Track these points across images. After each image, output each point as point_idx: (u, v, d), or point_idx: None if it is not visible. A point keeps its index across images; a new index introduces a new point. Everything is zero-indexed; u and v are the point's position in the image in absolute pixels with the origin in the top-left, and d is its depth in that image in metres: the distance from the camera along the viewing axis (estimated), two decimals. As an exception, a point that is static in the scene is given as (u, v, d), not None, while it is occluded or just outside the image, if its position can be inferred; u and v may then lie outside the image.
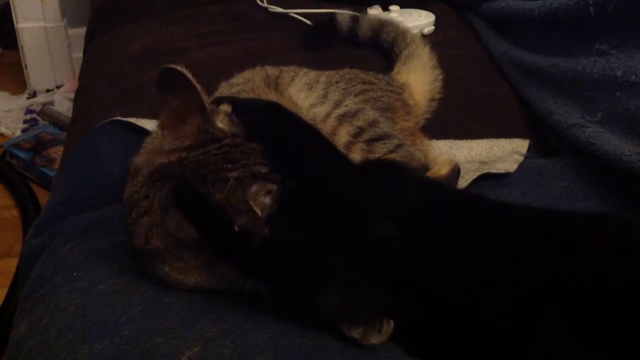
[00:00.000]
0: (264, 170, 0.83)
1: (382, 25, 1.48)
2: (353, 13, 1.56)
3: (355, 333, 0.78)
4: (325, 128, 1.08)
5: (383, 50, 1.49)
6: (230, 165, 0.82)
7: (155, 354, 0.76)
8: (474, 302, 0.74)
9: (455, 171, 1.10)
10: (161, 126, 0.87)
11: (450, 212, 0.84)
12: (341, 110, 1.10)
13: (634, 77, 1.05)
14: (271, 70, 1.19)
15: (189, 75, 0.83)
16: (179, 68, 0.82)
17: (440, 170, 1.09)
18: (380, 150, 1.06)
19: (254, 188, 0.82)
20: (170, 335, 0.78)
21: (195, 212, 0.77)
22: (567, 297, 0.70)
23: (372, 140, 1.07)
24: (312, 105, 1.11)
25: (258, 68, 1.20)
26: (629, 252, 0.73)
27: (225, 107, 0.88)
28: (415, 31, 1.51)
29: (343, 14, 1.56)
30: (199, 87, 0.83)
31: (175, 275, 0.86)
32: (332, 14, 1.57)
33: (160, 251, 0.83)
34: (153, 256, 0.85)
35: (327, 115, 1.10)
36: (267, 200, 0.83)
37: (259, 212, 0.81)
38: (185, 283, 0.86)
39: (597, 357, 0.68)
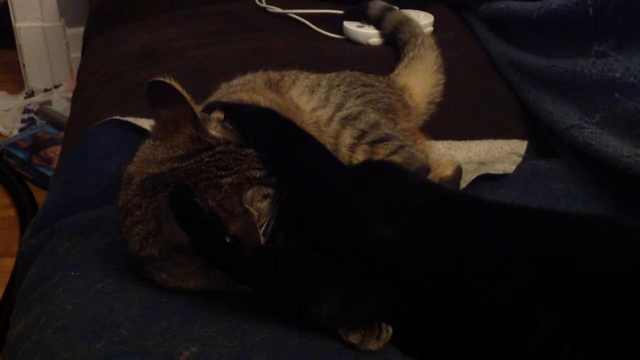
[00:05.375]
0: (258, 174, 0.83)
1: (402, 24, 1.50)
2: (386, 4, 1.60)
3: (354, 338, 0.78)
4: (329, 131, 1.08)
5: (397, 47, 1.50)
6: (223, 172, 0.81)
7: (153, 354, 0.75)
8: (471, 303, 0.74)
9: (459, 172, 1.10)
10: (154, 137, 0.87)
11: (448, 214, 0.84)
12: (343, 113, 1.10)
13: (632, 78, 1.05)
14: (273, 74, 1.19)
15: (178, 87, 0.82)
16: (167, 80, 0.82)
17: (444, 171, 1.09)
18: (382, 152, 1.06)
19: (249, 193, 0.82)
20: (168, 335, 0.78)
21: (188, 221, 0.77)
22: (564, 297, 0.70)
23: (374, 142, 1.07)
24: (314, 109, 1.11)
25: (260, 72, 1.20)
26: (626, 254, 0.73)
27: (218, 114, 0.87)
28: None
29: (378, 2, 1.60)
30: (188, 97, 0.83)
31: (174, 282, 0.86)
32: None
33: (155, 257, 0.83)
34: (149, 263, 0.85)
35: (330, 118, 1.10)
36: (264, 204, 0.83)
37: (256, 216, 0.81)
38: (185, 288, 0.86)
39: (592, 357, 0.68)
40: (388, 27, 1.54)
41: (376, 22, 1.59)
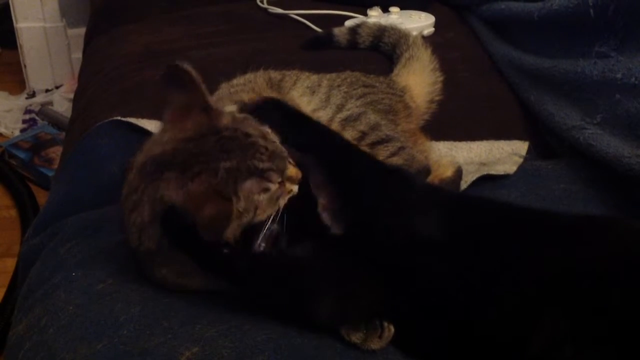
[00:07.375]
0: (261, 166, 0.79)
1: (383, 30, 1.49)
2: (351, 24, 1.56)
3: (356, 338, 0.78)
4: None
5: (384, 53, 1.49)
6: (225, 155, 0.78)
7: (155, 354, 0.76)
8: (473, 303, 0.74)
9: (459, 173, 1.10)
10: (165, 121, 0.85)
11: (449, 214, 0.84)
12: (343, 114, 1.10)
13: (633, 79, 1.05)
14: (274, 74, 1.19)
15: (194, 73, 0.82)
16: (185, 66, 0.81)
17: (445, 172, 1.09)
18: (382, 153, 1.06)
19: (248, 183, 0.78)
20: (169, 336, 0.78)
21: (182, 241, 0.77)
22: (566, 298, 0.70)
23: (374, 144, 1.07)
24: (315, 110, 1.11)
25: (261, 71, 1.20)
26: (628, 254, 0.73)
27: (231, 108, 0.87)
28: (415, 33, 1.51)
29: (340, 29, 1.55)
30: (203, 86, 0.82)
31: (174, 279, 0.85)
32: (330, 30, 1.56)
33: (154, 252, 0.81)
34: (149, 258, 0.84)
35: (331, 119, 1.10)
36: (263, 198, 0.79)
37: (252, 209, 0.78)
38: (185, 285, 0.85)
39: (594, 357, 0.68)
40: (366, 40, 1.51)
41: (350, 44, 1.53)
